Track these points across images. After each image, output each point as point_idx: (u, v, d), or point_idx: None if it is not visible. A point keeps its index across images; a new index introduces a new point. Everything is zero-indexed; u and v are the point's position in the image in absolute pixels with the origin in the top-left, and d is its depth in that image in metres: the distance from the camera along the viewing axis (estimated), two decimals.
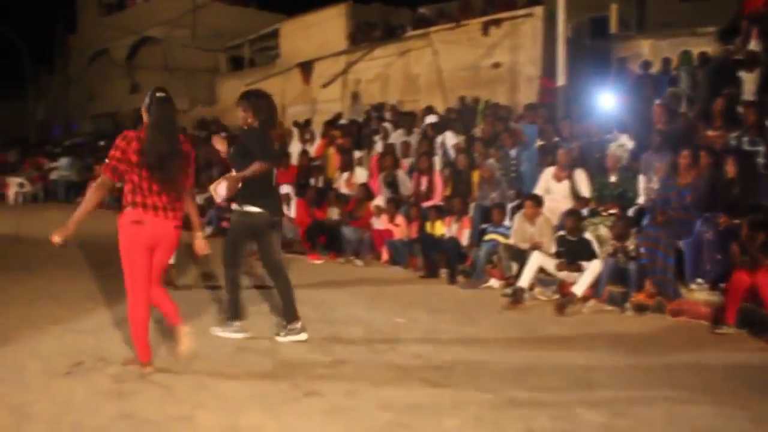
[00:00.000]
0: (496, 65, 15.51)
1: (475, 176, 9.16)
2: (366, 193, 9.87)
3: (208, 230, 11.54)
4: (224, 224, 11.54)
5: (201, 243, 4.68)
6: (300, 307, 6.35)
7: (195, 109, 24.55)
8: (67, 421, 3.73)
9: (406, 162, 10.41)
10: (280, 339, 5.28)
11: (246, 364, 4.70)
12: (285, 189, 10.33)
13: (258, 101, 5.26)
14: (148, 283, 4.38)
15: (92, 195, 4.48)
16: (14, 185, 19.32)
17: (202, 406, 3.91)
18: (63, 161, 20.33)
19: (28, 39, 30.08)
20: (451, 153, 10.37)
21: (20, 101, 32.83)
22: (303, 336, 5.26)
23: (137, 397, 4.07)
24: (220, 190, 5.00)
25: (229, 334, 5.32)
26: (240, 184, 5.07)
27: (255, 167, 5.02)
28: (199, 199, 12.32)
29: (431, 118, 11.19)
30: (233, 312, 5.40)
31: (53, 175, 20.31)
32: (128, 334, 5.11)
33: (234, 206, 5.30)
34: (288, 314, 5.33)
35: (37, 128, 31.30)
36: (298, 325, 5.30)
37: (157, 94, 4.41)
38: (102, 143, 22.39)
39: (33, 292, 6.99)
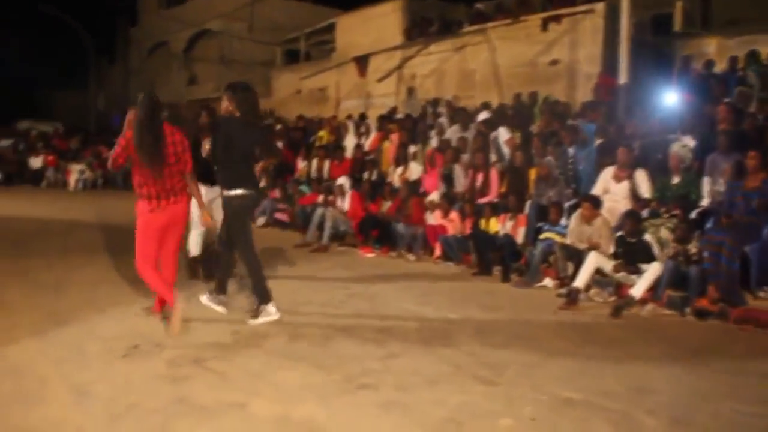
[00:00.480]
0: (554, 62, 15.26)
1: (532, 173, 9.01)
2: (410, 190, 9.81)
3: (261, 220, 11.69)
4: (277, 215, 11.66)
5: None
6: (353, 300, 6.46)
7: None
8: (125, 402, 3.80)
9: (462, 158, 10.30)
10: (252, 322, 5.45)
11: (299, 353, 4.71)
12: (339, 181, 10.37)
13: (243, 94, 5.57)
14: (156, 254, 5.19)
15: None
16: (75, 172, 19.88)
17: (256, 394, 3.94)
18: None
19: (90, 31, 30.89)
20: (504, 149, 10.25)
21: (82, 91, 33.76)
22: (276, 315, 5.50)
23: (192, 382, 4.12)
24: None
25: (265, 319, 5.48)
26: (224, 170, 5.60)
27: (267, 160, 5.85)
28: None
29: (484, 115, 11.07)
30: (262, 297, 5.55)
31: None
32: (185, 320, 5.25)
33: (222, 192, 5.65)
34: (261, 296, 5.54)
35: (97, 117, 32.09)
36: (272, 307, 5.53)
37: (140, 96, 5.06)
38: None
39: (94, 276, 7.18)
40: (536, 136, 9.75)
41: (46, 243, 9.38)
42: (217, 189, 6.83)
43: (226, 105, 5.54)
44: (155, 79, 32.69)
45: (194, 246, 7.05)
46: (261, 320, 5.46)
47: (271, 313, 5.51)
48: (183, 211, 5.27)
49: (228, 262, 5.92)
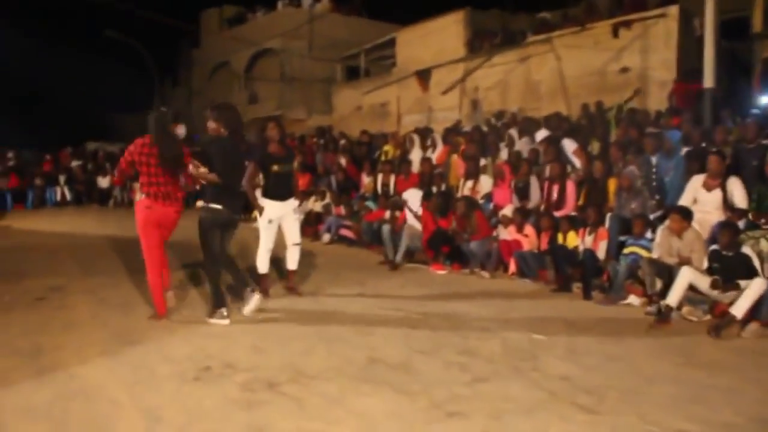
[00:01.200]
0: (625, 69, 14.80)
1: (611, 184, 8.56)
2: (470, 205, 9.45)
3: (327, 237, 11.50)
4: (343, 232, 11.46)
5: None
6: (429, 319, 6.18)
7: (311, 118, 24.93)
8: (198, 428, 3.59)
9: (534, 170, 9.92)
10: (211, 320, 5.79)
11: (378, 377, 4.43)
12: (406, 196, 10.10)
13: (228, 113, 5.91)
14: (161, 252, 5.88)
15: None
16: (140, 192, 20.12)
17: (337, 423, 3.66)
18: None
19: (154, 54, 31.60)
20: (574, 160, 9.80)
21: (146, 113, 34.54)
22: (227, 321, 5.78)
23: (267, 408, 3.89)
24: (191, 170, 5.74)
25: (217, 320, 5.79)
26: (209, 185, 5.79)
27: (211, 177, 5.71)
28: (318, 206, 12.30)
29: (542, 134, 10.68)
30: (217, 301, 5.86)
31: None
32: (256, 340, 5.11)
33: (201, 203, 5.95)
34: (218, 301, 5.86)
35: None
36: (225, 311, 5.83)
37: (152, 115, 5.96)
38: None
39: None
40: (614, 145, 9.29)
41: (113, 261, 9.38)
42: (289, 203, 6.91)
43: (213, 125, 5.85)
44: (217, 98, 33.14)
45: (262, 263, 6.95)
46: (214, 321, 5.80)
47: (223, 316, 5.80)
48: (174, 214, 5.93)
49: (233, 273, 6.15)
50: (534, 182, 9.47)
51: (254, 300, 6.06)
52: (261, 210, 6.80)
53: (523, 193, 9.52)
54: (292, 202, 6.96)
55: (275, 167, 6.77)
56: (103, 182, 20.42)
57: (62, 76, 35.80)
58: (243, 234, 6.87)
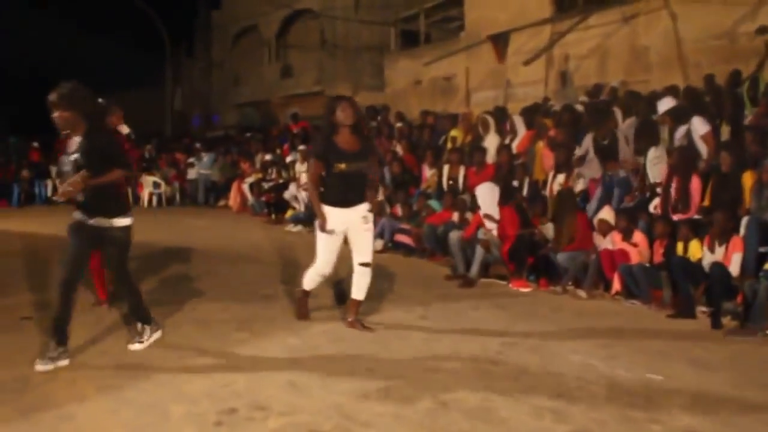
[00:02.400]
0: (762, 30, 14.32)
1: (747, 180, 8.31)
2: (569, 203, 9.29)
3: (379, 244, 11.43)
4: (399, 237, 11.42)
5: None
6: (511, 351, 6.10)
7: (359, 95, 24.97)
8: None
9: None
10: (132, 347, 5.89)
11: (449, 426, 4.34)
12: (479, 193, 9.96)
13: (77, 96, 5.54)
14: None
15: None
16: (149, 185, 20.49)
17: None
18: (203, 158, 21.31)
19: (165, 17, 32.09)
20: (702, 147, 9.52)
21: (156, 88, 35.12)
22: (159, 334, 6.06)
23: None
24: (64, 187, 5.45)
25: (149, 339, 6.00)
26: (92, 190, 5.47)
27: (115, 174, 5.57)
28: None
29: (667, 103, 10.32)
30: (145, 318, 6.06)
31: (191, 174, 21.38)
32: (293, 376, 5.10)
33: (101, 219, 5.62)
34: (144, 319, 6.04)
35: (174, 119, 33.26)
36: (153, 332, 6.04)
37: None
38: (249, 135, 23.32)
39: (174, 315, 7.14)
40: (751, 129, 9.02)
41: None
42: (358, 210, 6.54)
43: (113, 119, 6.31)
44: (241, 71, 33.63)
45: (309, 280, 6.85)
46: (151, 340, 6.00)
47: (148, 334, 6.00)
48: None
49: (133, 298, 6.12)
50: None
51: (147, 337, 6.03)
52: (323, 221, 6.46)
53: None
54: (363, 208, 6.55)
55: (341, 165, 6.36)
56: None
57: (54, 47, 36.74)
58: (259, 233, 6.83)
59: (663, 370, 5.62)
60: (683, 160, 8.86)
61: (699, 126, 9.66)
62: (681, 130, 9.81)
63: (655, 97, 11.31)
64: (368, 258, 6.63)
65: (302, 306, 6.91)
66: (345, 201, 6.46)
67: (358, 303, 6.73)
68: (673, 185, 8.79)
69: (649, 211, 9.12)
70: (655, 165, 9.47)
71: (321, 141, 6.59)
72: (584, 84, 16.73)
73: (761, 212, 7.86)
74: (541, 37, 18.75)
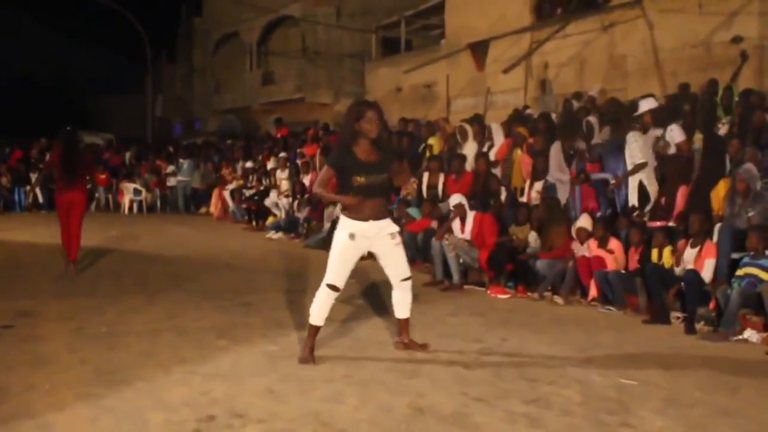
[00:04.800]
0: (737, 39, 14.47)
1: (721, 187, 8.41)
2: (551, 212, 9.40)
3: None
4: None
5: None
6: (488, 357, 6.17)
7: (340, 102, 25.02)
8: None
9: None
10: None
11: None
12: (456, 200, 10.02)
13: None
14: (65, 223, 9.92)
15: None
16: (129, 192, 20.43)
17: None
18: (184, 165, 21.24)
19: (146, 23, 31.98)
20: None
21: (137, 95, 35.01)
22: None
23: None
24: None
25: None
26: None
27: None
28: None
29: (649, 104, 10.35)
30: None
31: (171, 181, 21.31)
32: (271, 383, 5.10)
33: None
34: None
35: (155, 126, 33.14)
36: None
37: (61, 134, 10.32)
38: (229, 143, 23.28)
39: (154, 322, 7.12)
40: (726, 136, 9.16)
41: (95, 280, 9.47)
42: (383, 225, 5.98)
43: None
44: (223, 78, 33.57)
45: (317, 308, 5.89)
46: None
47: None
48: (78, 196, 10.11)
49: None
50: (632, 184, 9.38)
51: None
52: (349, 200, 5.80)
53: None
54: (388, 225, 6.01)
55: (360, 178, 5.76)
56: (84, 190, 20.72)
57: (35, 52, 36.54)
58: (240, 240, 6.81)
59: (637, 375, 5.67)
60: (677, 168, 8.94)
61: (677, 134, 9.73)
62: (655, 133, 9.88)
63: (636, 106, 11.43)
64: (408, 272, 6.18)
65: (308, 346, 5.89)
66: (365, 216, 5.83)
67: (407, 321, 6.27)
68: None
69: (627, 214, 9.22)
70: (635, 141, 9.48)
71: (338, 150, 6.03)
72: (563, 92, 16.83)
73: (734, 219, 7.96)
74: (521, 45, 18.84)
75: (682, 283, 7.70)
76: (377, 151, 5.89)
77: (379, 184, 5.88)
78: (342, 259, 5.84)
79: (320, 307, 5.86)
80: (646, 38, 16.14)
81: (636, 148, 9.27)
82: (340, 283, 5.85)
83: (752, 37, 14.34)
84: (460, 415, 4.68)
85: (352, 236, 5.80)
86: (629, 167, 9.37)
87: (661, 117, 10.10)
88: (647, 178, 9.22)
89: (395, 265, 6.10)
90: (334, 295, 5.87)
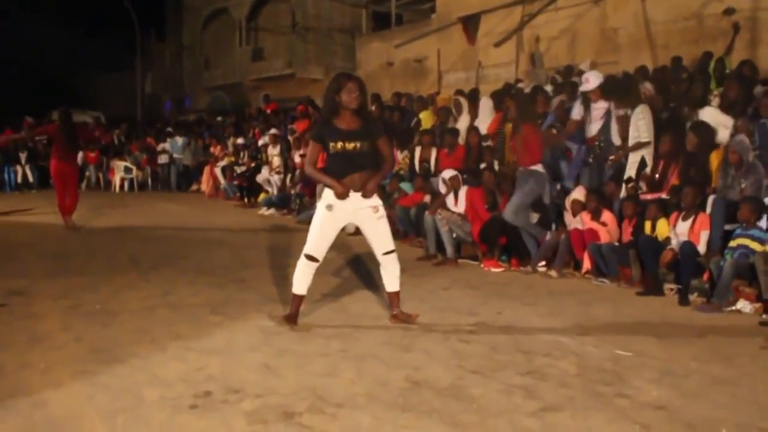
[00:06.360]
0: (729, 11, 14.45)
1: (714, 159, 8.39)
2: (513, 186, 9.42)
3: (352, 227, 11.39)
4: None
5: None
6: (483, 330, 6.19)
7: (331, 77, 24.90)
8: None
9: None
10: None
11: (422, 405, 4.36)
12: (449, 173, 9.99)
13: None
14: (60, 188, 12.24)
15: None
16: (120, 170, 20.34)
17: None
18: (175, 142, 21.15)
19: (135, 1, 31.71)
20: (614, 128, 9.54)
21: (126, 72, 34.78)
22: None
23: None
24: None
25: None
26: None
27: None
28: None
29: (596, 76, 9.88)
30: None
31: (162, 159, 21.21)
32: (267, 358, 5.11)
33: None
34: None
35: (144, 103, 32.97)
36: None
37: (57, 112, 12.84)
38: (220, 119, 23.18)
39: (148, 299, 7.10)
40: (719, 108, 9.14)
41: (87, 258, 9.44)
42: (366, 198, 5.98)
43: None
44: (212, 55, 33.36)
45: (300, 276, 6.05)
46: None
47: None
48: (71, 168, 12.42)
49: None
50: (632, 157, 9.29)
51: None
52: (338, 187, 5.82)
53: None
54: (372, 198, 6.00)
55: (338, 144, 5.82)
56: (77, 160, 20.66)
57: (22, 31, 36.20)
58: (232, 217, 6.77)
59: (631, 346, 5.68)
60: (675, 145, 8.87)
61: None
62: (599, 106, 9.71)
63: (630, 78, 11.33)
64: (391, 245, 6.16)
65: (292, 312, 6.13)
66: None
67: (397, 294, 6.29)
68: (659, 168, 8.87)
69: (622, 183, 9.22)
70: (643, 118, 9.24)
71: (319, 123, 6.14)
72: (554, 65, 16.81)
73: (726, 191, 7.94)
74: (512, 18, 18.81)
75: (676, 253, 7.70)
76: (360, 120, 5.92)
77: (357, 153, 5.88)
78: (320, 230, 5.95)
79: (300, 277, 6.02)
80: (637, 11, 16.17)
81: (644, 126, 9.11)
82: (319, 254, 5.97)
83: (744, 9, 14.35)
84: (456, 387, 4.69)
85: (329, 207, 5.88)
86: (632, 141, 9.27)
87: (607, 91, 9.90)
88: (648, 155, 9.16)
89: (378, 238, 6.11)
90: (313, 265, 5.98)
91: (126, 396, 4.47)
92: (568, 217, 9.11)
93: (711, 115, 9.17)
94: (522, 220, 8.95)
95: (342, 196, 5.83)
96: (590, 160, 9.76)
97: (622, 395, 4.59)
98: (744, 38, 13.97)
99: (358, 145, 5.86)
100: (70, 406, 4.35)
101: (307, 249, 5.96)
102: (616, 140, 9.40)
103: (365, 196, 5.94)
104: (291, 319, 6.08)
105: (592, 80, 9.69)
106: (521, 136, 9.02)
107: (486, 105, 12.02)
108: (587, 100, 9.84)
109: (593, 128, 9.63)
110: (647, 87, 10.41)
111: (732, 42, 13.10)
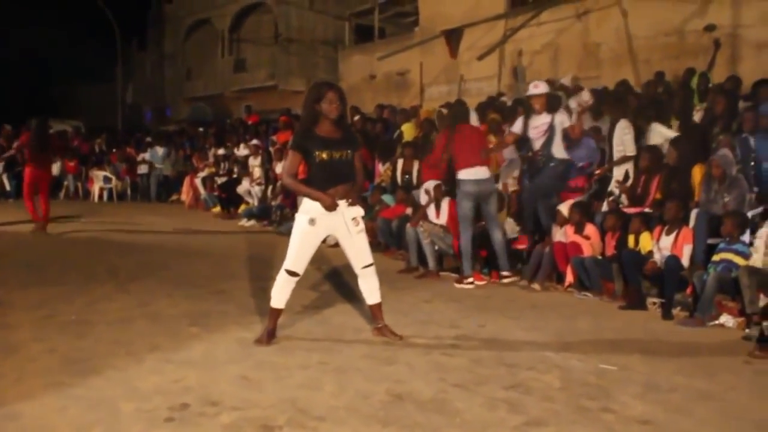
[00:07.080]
0: (710, 28, 14.56)
1: (696, 173, 8.41)
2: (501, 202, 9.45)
3: (331, 239, 11.34)
4: None
5: None
6: (466, 343, 6.15)
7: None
8: None
9: None
10: None
11: (405, 419, 4.30)
12: (428, 186, 9.96)
13: None
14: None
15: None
16: (99, 180, 20.18)
17: None
18: (155, 152, 21.00)
19: (116, 10, 31.60)
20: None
21: (107, 83, 34.63)
22: None
23: None
24: None
25: None
26: None
27: None
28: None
29: (542, 87, 9.54)
30: None
31: (142, 169, 21.07)
32: (246, 370, 5.04)
33: None
34: None
35: (125, 113, 32.83)
36: None
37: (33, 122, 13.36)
38: (201, 130, 23.09)
39: (125, 310, 7.00)
40: (700, 125, 9.19)
41: (64, 268, 9.32)
42: (347, 209, 5.88)
43: None
44: (194, 65, 33.30)
45: (278, 291, 5.93)
46: None
47: None
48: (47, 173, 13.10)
49: None
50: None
51: None
52: (325, 199, 5.71)
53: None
54: (353, 209, 5.91)
55: (322, 154, 5.71)
56: (52, 169, 20.44)
57: (2, 39, 35.96)
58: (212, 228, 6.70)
59: (616, 360, 5.64)
60: (654, 160, 8.88)
61: (566, 119, 9.49)
62: (543, 118, 9.60)
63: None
64: (370, 259, 6.08)
65: (268, 328, 5.96)
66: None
67: (379, 306, 6.19)
68: (640, 183, 8.87)
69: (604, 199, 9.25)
70: (628, 133, 9.28)
71: (299, 132, 5.98)
72: (537, 79, 16.81)
73: (710, 205, 7.94)
74: (495, 32, 18.86)
75: (658, 266, 7.69)
76: (339, 130, 5.86)
77: (342, 162, 5.81)
78: (301, 245, 5.82)
79: (279, 291, 5.89)
80: (620, 26, 16.27)
81: (629, 140, 9.16)
82: (299, 269, 5.85)
83: (725, 25, 14.46)
84: (439, 401, 4.63)
85: (312, 221, 5.74)
86: (616, 156, 9.28)
87: (554, 103, 9.84)
88: (632, 169, 9.17)
89: (357, 251, 6.01)
90: (294, 279, 5.87)
91: (101, 408, 4.39)
92: (554, 229, 9.07)
93: (658, 130, 9.40)
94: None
95: (331, 208, 5.72)
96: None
97: (607, 410, 4.54)
98: (725, 54, 14.07)
99: (341, 154, 5.80)
100: (43, 417, 4.26)
101: (288, 264, 5.84)
102: (559, 154, 9.26)
103: (351, 206, 5.88)
104: (264, 340, 5.85)
105: (541, 87, 9.53)
106: (463, 135, 8.91)
107: (471, 118, 11.98)
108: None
109: (536, 144, 9.36)
110: (584, 98, 10.49)
111: (713, 58, 13.19)
